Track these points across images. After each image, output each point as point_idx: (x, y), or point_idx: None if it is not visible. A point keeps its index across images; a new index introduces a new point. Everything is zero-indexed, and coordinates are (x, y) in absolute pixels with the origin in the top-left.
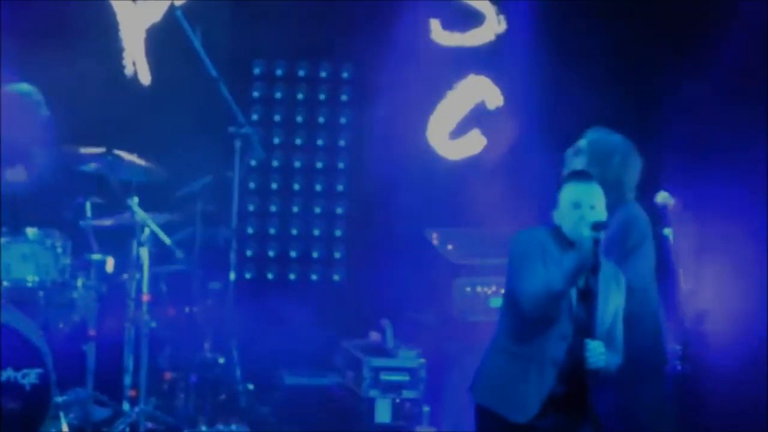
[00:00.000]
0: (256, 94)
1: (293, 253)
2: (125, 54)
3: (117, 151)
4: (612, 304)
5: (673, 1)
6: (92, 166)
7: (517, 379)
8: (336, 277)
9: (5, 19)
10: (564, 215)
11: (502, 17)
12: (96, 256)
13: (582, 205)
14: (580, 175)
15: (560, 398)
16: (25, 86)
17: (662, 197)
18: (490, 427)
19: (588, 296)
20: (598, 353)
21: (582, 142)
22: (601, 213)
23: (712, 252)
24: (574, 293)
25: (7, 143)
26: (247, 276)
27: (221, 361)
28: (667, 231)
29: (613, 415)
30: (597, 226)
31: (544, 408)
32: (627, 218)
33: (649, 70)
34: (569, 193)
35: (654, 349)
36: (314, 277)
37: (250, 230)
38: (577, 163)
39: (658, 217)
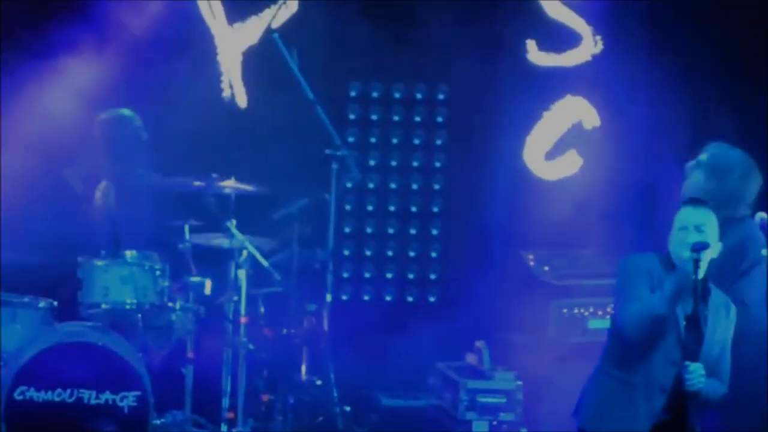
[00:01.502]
0: (352, 116)
1: (389, 275)
2: (222, 77)
3: (214, 175)
4: (720, 332)
5: None
6: (190, 189)
7: (624, 405)
8: (432, 299)
9: (106, 44)
10: (672, 238)
11: (598, 38)
12: (194, 279)
13: (688, 228)
14: (693, 201)
15: (666, 425)
16: (126, 111)
17: (760, 216)
18: None
19: (696, 322)
20: (697, 375)
21: (702, 156)
22: (707, 235)
23: None
24: (682, 318)
25: (106, 165)
26: (344, 297)
27: (318, 383)
28: (765, 251)
29: None
30: (697, 247)
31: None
32: (744, 237)
33: (757, 83)
34: (680, 216)
35: (762, 372)
36: (410, 298)
37: (346, 252)
38: (697, 175)
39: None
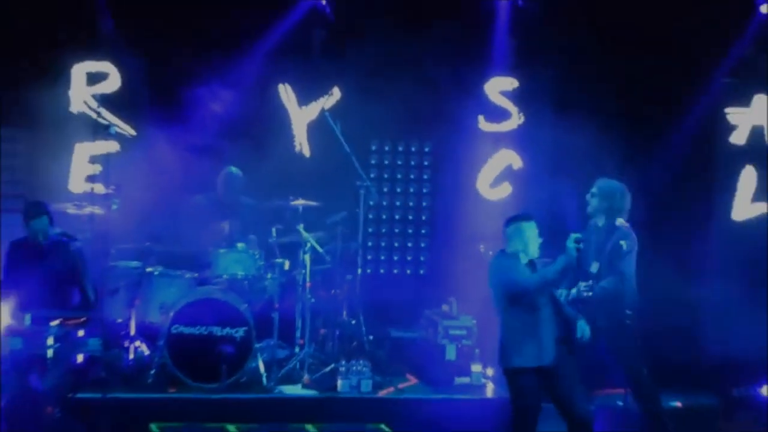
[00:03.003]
0: (372, 161)
1: (395, 258)
2: (295, 139)
3: (290, 197)
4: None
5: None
6: (275, 206)
7: (532, 336)
8: (422, 272)
9: (222, 117)
10: (530, 240)
11: (522, 114)
12: (278, 260)
13: (532, 235)
14: (529, 216)
15: (557, 340)
16: (234, 168)
17: (620, 222)
18: (518, 377)
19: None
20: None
21: (594, 189)
22: (579, 235)
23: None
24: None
25: (224, 205)
26: (368, 271)
27: (353, 322)
28: (622, 242)
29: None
30: (579, 240)
31: (551, 348)
32: (625, 234)
33: (623, 139)
34: (532, 227)
35: (633, 315)
36: (408, 271)
37: (369, 243)
38: (594, 201)
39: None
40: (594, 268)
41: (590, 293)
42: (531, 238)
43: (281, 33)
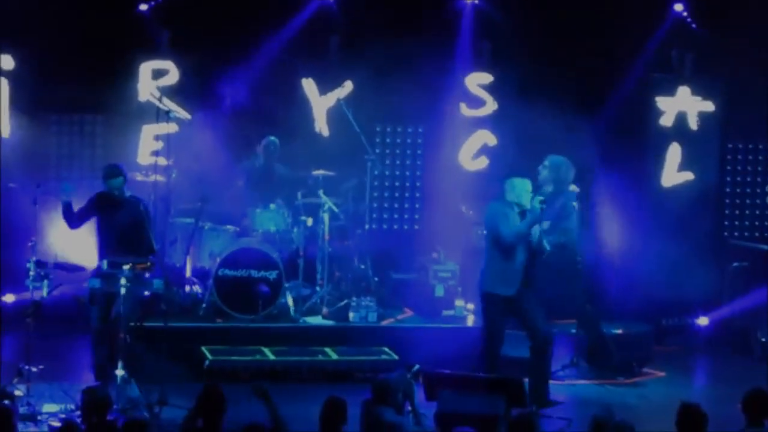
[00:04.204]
0: (377, 139)
1: (396, 216)
2: (316, 122)
3: (313, 168)
4: (535, 230)
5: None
6: (301, 175)
7: (505, 274)
8: (416, 227)
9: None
10: (520, 194)
11: (495, 102)
12: (303, 218)
13: (528, 190)
14: (520, 175)
15: (526, 278)
16: (273, 137)
17: (573, 188)
18: (492, 302)
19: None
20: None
21: (546, 162)
22: (542, 197)
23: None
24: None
25: (263, 171)
26: (374, 227)
27: (362, 266)
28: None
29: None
30: (542, 201)
31: (520, 283)
32: (569, 199)
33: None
34: (523, 184)
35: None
36: (405, 227)
37: (375, 204)
38: (544, 171)
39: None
40: (545, 225)
41: (547, 247)
42: (523, 192)
43: (304, 38)
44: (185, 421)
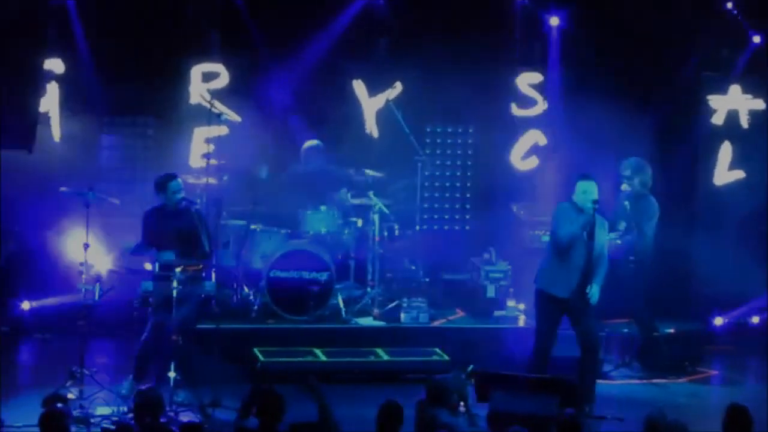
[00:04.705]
0: (427, 140)
1: (446, 216)
2: (366, 123)
3: (363, 169)
4: (601, 239)
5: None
6: (351, 175)
7: (561, 275)
8: (467, 227)
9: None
10: (578, 196)
11: (546, 101)
12: (353, 219)
13: (588, 191)
14: (588, 176)
15: (579, 283)
16: (315, 141)
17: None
18: (545, 301)
19: (591, 236)
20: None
21: (630, 161)
22: (595, 195)
23: None
24: (585, 235)
25: (309, 174)
26: (424, 227)
27: (413, 267)
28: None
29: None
30: (595, 203)
31: (573, 287)
32: (651, 199)
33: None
34: (582, 185)
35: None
36: (457, 227)
37: (425, 205)
38: (627, 172)
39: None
40: (621, 226)
41: (618, 241)
42: (582, 193)
43: (353, 39)
44: (236, 421)
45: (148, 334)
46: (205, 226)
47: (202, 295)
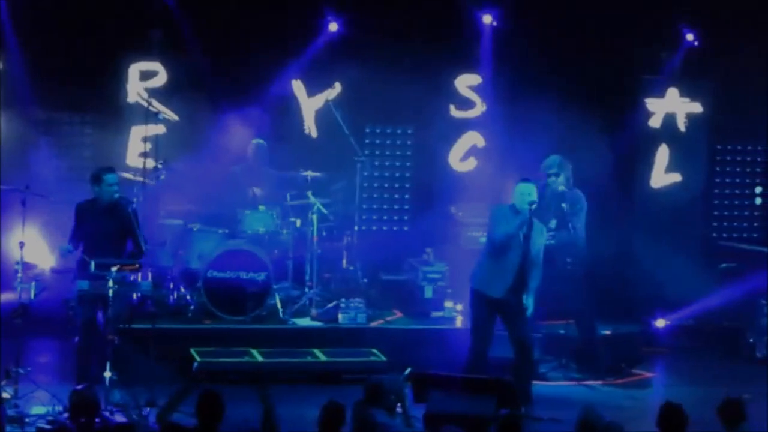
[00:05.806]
0: (366, 140)
1: (385, 217)
2: (305, 122)
3: (301, 169)
4: (537, 242)
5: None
6: (291, 176)
7: (495, 275)
8: (405, 228)
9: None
10: (517, 198)
11: (483, 103)
12: (292, 219)
13: (525, 193)
14: (527, 179)
15: (513, 283)
16: (261, 140)
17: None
18: (480, 300)
19: (527, 237)
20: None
21: (555, 159)
22: (534, 197)
23: None
24: (521, 236)
25: (254, 173)
26: (363, 228)
27: (351, 268)
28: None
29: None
30: (532, 203)
31: (507, 288)
32: (579, 196)
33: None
34: (521, 188)
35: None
36: (395, 228)
37: (364, 206)
38: (554, 170)
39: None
40: (552, 224)
41: (552, 241)
42: (520, 195)
43: (292, 38)
44: (159, 414)
45: (79, 334)
46: (138, 225)
47: (139, 295)
